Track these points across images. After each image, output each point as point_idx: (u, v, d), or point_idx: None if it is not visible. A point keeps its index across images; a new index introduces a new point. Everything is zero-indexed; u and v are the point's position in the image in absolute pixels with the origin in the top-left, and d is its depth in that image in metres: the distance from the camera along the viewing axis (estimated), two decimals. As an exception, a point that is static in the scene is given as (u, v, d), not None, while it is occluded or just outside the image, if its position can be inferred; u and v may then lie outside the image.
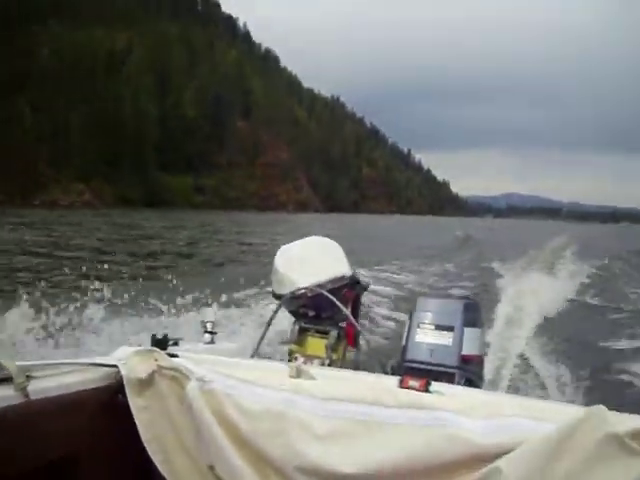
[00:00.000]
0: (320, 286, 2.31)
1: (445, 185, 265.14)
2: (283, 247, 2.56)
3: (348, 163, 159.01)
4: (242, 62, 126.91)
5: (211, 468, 1.44)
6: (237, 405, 1.40)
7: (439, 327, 2.40)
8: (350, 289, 2.47)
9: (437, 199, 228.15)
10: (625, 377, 5.94)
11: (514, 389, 5.27)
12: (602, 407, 1.13)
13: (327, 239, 2.63)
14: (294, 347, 2.41)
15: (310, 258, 2.45)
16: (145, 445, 1.49)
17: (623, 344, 7.47)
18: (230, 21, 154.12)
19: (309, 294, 2.32)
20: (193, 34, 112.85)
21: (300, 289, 2.32)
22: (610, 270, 16.45)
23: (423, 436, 1.26)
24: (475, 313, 2.51)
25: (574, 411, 1.20)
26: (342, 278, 2.40)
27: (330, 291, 2.30)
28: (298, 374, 1.46)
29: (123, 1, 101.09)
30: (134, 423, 1.49)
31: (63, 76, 71.97)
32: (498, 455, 1.19)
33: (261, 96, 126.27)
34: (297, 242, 2.60)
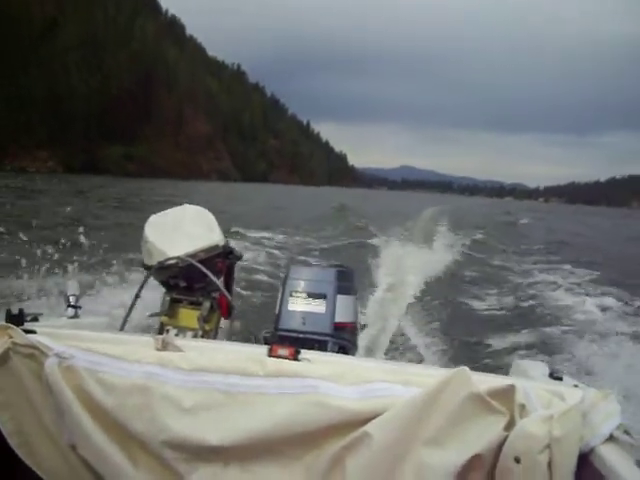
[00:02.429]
0: (191, 256, 2.25)
1: (343, 157, 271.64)
2: (153, 216, 2.46)
3: (256, 134, 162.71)
4: (161, 35, 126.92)
5: (73, 448, 1.39)
6: (99, 381, 1.35)
7: (311, 295, 2.39)
8: (223, 259, 2.42)
9: (335, 170, 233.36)
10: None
11: (392, 353, 5.52)
12: (465, 368, 1.22)
13: (200, 207, 2.55)
14: (165, 319, 2.34)
15: (181, 227, 2.37)
16: (0, 427, 1.42)
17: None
18: None
19: (180, 264, 2.25)
20: (115, 4, 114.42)
21: (170, 259, 2.24)
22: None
23: (292, 404, 1.28)
24: (348, 281, 2.52)
25: (440, 374, 1.28)
26: (215, 247, 2.36)
27: (202, 261, 2.25)
28: (164, 347, 1.44)
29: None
30: None
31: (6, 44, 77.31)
32: (367, 420, 1.24)
33: (178, 69, 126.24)
34: (168, 210, 2.50)
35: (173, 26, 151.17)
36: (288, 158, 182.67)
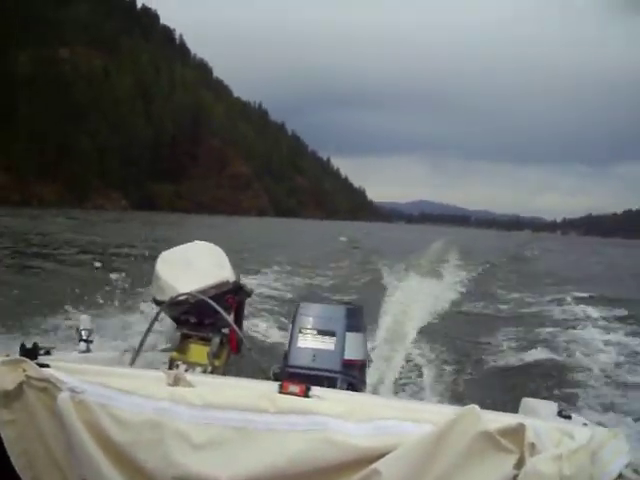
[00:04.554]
0: (202, 292, 2.28)
1: (362, 192, 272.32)
2: (164, 252, 2.51)
3: (284, 173, 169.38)
4: (197, 82, 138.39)
5: None
6: (111, 415, 1.36)
7: (321, 332, 2.39)
8: (234, 295, 2.44)
9: (356, 205, 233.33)
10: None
11: (399, 390, 5.47)
12: (475, 407, 1.21)
13: (211, 244, 2.60)
14: (175, 354, 2.36)
15: (192, 263, 2.42)
16: (12, 461, 1.43)
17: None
18: (168, 33, 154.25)
19: (191, 300, 2.27)
20: (157, 56, 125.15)
21: (181, 295, 2.27)
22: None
23: (302, 441, 1.28)
24: (357, 318, 2.52)
25: (449, 411, 1.28)
26: (225, 284, 2.39)
27: (213, 297, 2.27)
28: (176, 382, 1.44)
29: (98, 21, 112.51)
30: (0, 438, 1.43)
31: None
32: (377, 457, 1.23)
33: (215, 112, 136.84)
34: (179, 247, 2.55)
35: (203, 70, 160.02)
36: (313, 195, 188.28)
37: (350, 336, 2.40)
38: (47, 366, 1.48)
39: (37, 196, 79.73)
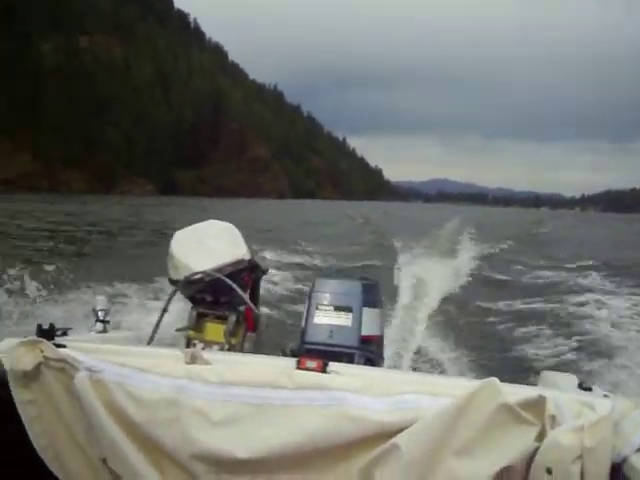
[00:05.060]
0: (217, 270, 2.28)
1: (378, 172, 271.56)
2: (178, 232, 2.50)
3: (301, 155, 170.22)
4: (214, 67, 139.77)
5: (103, 461, 1.41)
6: (129, 394, 1.38)
7: (338, 308, 2.38)
8: (249, 273, 2.45)
9: (373, 185, 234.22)
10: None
11: (418, 365, 5.48)
12: (494, 379, 1.19)
13: (225, 223, 2.58)
14: (192, 333, 2.37)
15: (207, 242, 2.42)
16: (32, 441, 1.45)
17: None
18: (183, 18, 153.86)
19: (206, 279, 2.28)
20: (173, 42, 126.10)
21: (196, 274, 2.28)
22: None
23: (321, 416, 1.28)
24: (374, 293, 2.51)
25: (469, 384, 1.26)
26: (240, 262, 2.38)
27: (228, 275, 2.28)
28: (193, 360, 1.45)
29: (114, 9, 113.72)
30: (20, 418, 1.45)
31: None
32: (396, 431, 1.23)
33: (233, 97, 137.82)
34: (194, 226, 2.54)
35: (219, 55, 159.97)
36: (329, 175, 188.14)
37: (367, 311, 2.38)
38: (64, 346, 1.49)
39: (65, 183, 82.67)
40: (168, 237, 2.49)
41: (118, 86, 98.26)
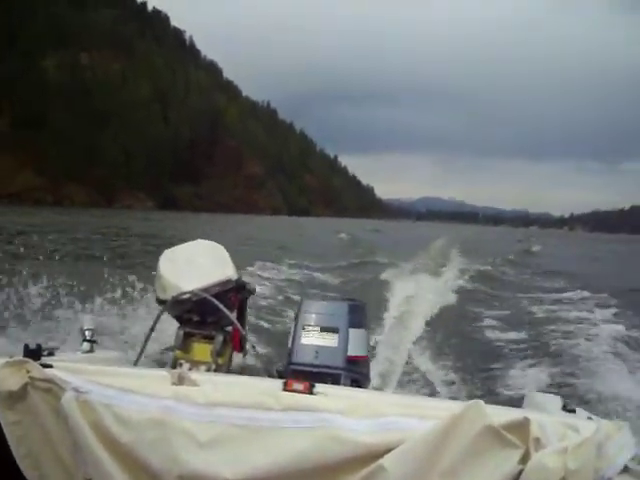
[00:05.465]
0: (205, 290, 2.28)
1: (370, 190, 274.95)
2: (167, 251, 2.51)
3: (295, 172, 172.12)
4: (209, 84, 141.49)
5: None
6: (116, 415, 1.37)
7: (324, 329, 2.39)
8: (236, 293, 2.45)
9: (365, 203, 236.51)
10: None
11: (403, 387, 5.44)
12: (479, 401, 1.21)
13: (213, 242, 2.59)
14: (179, 353, 2.36)
15: (194, 262, 2.42)
16: (18, 462, 1.44)
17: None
18: (179, 35, 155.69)
19: (193, 299, 2.28)
20: (170, 59, 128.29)
21: (184, 293, 2.28)
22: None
23: (307, 438, 1.28)
24: (360, 314, 2.52)
25: (454, 406, 1.26)
26: (227, 282, 2.38)
27: (215, 295, 2.28)
28: (180, 381, 1.44)
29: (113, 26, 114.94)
30: (5, 439, 1.43)
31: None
32: (382, 453, 1.23)
33: (228, 114, 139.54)
34: (181, 245, 2.56)
35: (213, 72, 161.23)
36: (322, 193, 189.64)
37: (353, 332, 2.38)
38: (50, 366, 1.48)
39: (68, 197, 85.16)
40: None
41: (117, 102, 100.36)
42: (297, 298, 10.10)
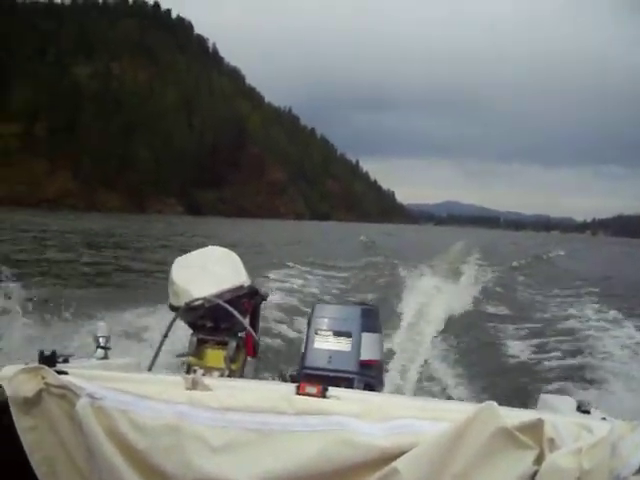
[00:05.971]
0: (217, 296, 2.28)
1: (391, 194, 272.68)
2: (179, 258, 2.52)
3: (317, 178, 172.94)
4: (233, 90, 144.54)
5: None
6: (131, 421, 1.37)
7: (337, 333, 2.39)
8: (249, 299, 2.45)
9: (386, 208, 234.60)
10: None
11: (418, 390, 5.44)
12: (493, 403, 1.19)
13: (225, 249, 2.60)
14: (192, 360, 2.36)
15: (207, 268, 2.43)
16: (34, 467, 1.45)
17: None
18: (202, 42, 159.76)
19: (206, 305, 2.29)
20: (194, 67, 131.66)
21: (196, 300, 2.28)
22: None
23: (320, 441, 1.27)
24: (373, 318, 2.52)
25: (467, 408, 1.26)
26: (240, 288, 2.39)
27: (228, 301, 2.28)
28: (194, 386, 1.45)
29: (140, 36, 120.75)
30: (21, 445, 1.44)
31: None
32: (396, 456, 1.23)
33: (251, 120, 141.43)
34: (194, 252, 2.56)
35: (236, 78, 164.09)
36: (344, 198, 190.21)
37: (366, 336, 2.39)
38: (65, 373, 1.49)
39: (101, 203, 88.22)
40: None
41: (145, 111, 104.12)
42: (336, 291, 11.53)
